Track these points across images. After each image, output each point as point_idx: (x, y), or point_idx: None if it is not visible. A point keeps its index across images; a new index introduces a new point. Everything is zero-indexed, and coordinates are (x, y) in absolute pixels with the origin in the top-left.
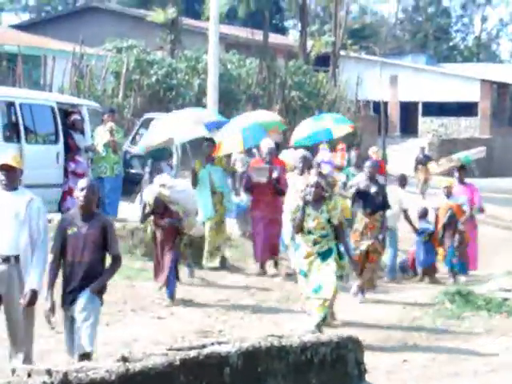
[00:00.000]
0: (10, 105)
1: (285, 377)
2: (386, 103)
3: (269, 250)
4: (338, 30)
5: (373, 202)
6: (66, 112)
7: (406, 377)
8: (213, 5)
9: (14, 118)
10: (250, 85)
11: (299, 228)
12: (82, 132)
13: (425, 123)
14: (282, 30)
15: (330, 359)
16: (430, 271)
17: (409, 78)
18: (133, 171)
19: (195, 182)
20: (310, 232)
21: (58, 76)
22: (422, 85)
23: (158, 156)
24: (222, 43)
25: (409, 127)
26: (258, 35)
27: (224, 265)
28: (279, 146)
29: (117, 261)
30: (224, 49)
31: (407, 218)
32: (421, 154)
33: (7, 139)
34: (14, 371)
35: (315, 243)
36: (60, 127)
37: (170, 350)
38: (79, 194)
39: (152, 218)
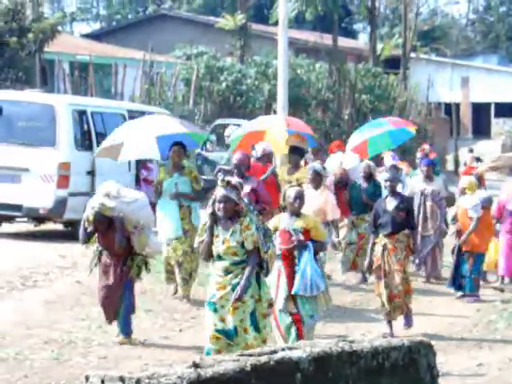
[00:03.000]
0: (82, 113)
1: (356, 382)
2: (457, 105)
3: None
4: (408, 32)
5: (392, 220)
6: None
7: (481, 381)
8: (281, 9)
9: (85, 126)
10: (320, 89)
11: (207, 253)
12: None
13: (497, 124)
14: (352, 34)
15: (401, 364)
16: None
17: (480, 78)
18: (204, 177)
19: (158, 193)
20: (219, 258)
21: (128, 84)
22: (495, 85)
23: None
24: (292, 48)
25: (481, 129)
26: (327, 39)
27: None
28: (303, 152)
29: None
30: (293, 53)
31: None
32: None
33: (80, 147)
34: (87, 378)
35: (227, 272)
36: None
37: (241, 355)
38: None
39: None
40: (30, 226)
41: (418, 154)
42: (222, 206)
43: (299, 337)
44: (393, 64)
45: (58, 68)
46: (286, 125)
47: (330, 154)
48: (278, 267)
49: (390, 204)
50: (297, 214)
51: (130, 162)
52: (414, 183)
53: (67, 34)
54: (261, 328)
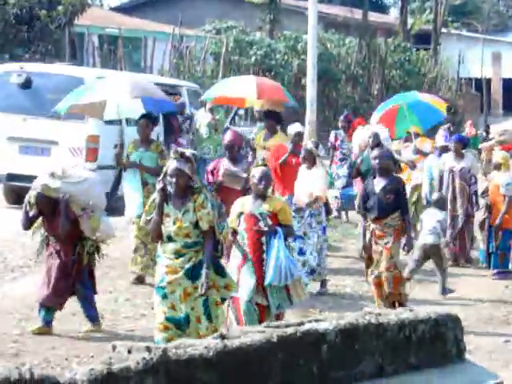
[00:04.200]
0: None
1: (382, 354)
2: (488, 81)
3: None
4: (439, 6)
5: (379, 203)
6: (166, 93)
7: (509, 357)
8: None
9: None
10: (350, 64)
11: (156, 234)
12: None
13: None
14: (382, 8)
15: (428, 337)
16: None
17: None
18: None
19: (121, 169)
20: (170, 239)
21: (158, 58)
22: None
23: None
24: (321, 22)
25: None
26: (358, 14)
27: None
28: (279, 117)
29: None
30: (323, 28)
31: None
32: (483, 131)
33: (108, 121)
34: (114, 348)
35: (178, 255)
36: None
37: (267, 327)
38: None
39: (40, 221)
40: None
41: (442, 132)
42: (173, 180)
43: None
44: (423, 39)
45: (88, 41)
46: (256, 95)
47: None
48: (241, 253)
49: (378, 185)
50: (262, 196)
51: (158, 137)
52: (443, 161)
53: (97, 7)
54: (213, 317)
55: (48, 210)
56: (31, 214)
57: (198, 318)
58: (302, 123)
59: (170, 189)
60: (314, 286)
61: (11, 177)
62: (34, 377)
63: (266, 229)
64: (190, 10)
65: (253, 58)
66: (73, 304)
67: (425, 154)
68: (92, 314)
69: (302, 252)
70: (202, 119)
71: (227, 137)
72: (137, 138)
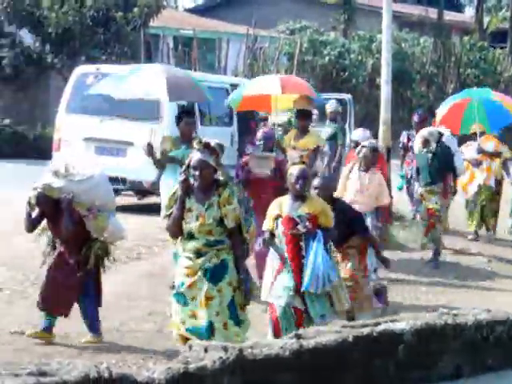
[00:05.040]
0: None
1: (459, 355)
2: None
3: None
4: None
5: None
6: None
7: None
8: None
9: None
10: (424, 63)
11: (176, 230)
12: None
13: None
14: (457, 7)
15: (505, 338)
16: None
17: None
18: None
19: (161, 165)
20: (191, 236)
21: (232, 59)
22: None
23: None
24: (396, 22)
25: None
26: (433, 13)
27: None
28: (311, 115)
29: None
30: (398, 27)
31: None
32: None
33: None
34: (190, 347)
35: (199, 254)
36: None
37: (343, 327)
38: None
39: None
40: (133, 199)
41: None
42: (197, 173)
43: None
44: (500, 38)
45: (163, 43)
46: (280, 89)
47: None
48: (280, 257)
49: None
50: (301, 197)
51: (232, 137)
52: None
53: (171, 8)
54: (241, 321)
55: (51, 211)
56: (34, 215)
57: (225, 323)
58: (377, 123)
59: (194, 182)
60: None
61: None
62: (112, 375)
63: (304, 232)
64: (264, 10)
65: (326, 58)
66: (145, 303)
67: (488, 153)
68: (94, 324)
69: None
70: (276, 117)
71: (263, 131)
72: (175, 135)
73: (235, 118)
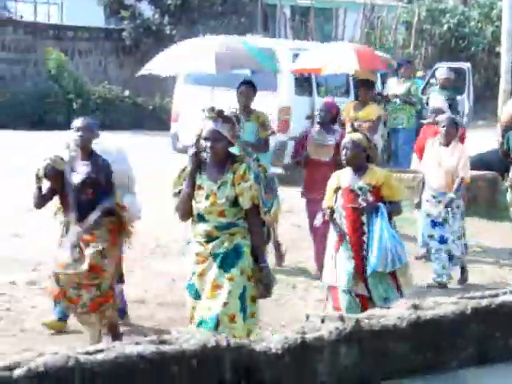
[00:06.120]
0: None
1: None
2: None
3: None
4: None
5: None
6: None
7: None
8: None
9: None
10: None
11: (185, 210)
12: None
13: None
14: None
15: None
16: None
17: None
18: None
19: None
20: (201, 218)
21: (348, 28)
22: None
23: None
24: None
25: None
26: None
27: None
28: (373, 85)
29: None
30: None
31: None
32: None
33: (299, 92)
34: (307, 317)
35: (209, 238)
36: (351, 79)
37: (461, 298)
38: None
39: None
40: None
41: None
42: (209, 145)
43: None
44: None
45: (280, 13)
46: (359, 65)
47: None
48: (337, 233)
49: None
50: (362, 168)
51: None
52: None
53: None
54: (248, 315)
55: (60, 187)
56: (44, 190)
57: (233, 316)
58: (497, 92)
59: (205, 155)
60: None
61: None
62: (230, 344)
63: (364, 205)
64: None
65: (445, 27)
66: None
67: None
68: (123, 309)
69: (443, 240)
70: (395, 88)
71: (324, 102)
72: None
73: (352, 88)
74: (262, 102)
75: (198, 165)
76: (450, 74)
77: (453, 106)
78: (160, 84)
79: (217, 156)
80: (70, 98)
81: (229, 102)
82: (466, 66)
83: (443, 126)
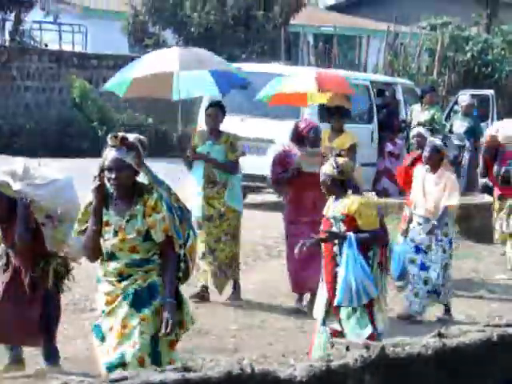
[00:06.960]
0: None
1: None
2: None
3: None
4: None
5: None
6: (379, 91)
7: None
8: None
9: None
10: None
11: (93, 249)
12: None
13: None
14: None
15: None
16: None
17: None
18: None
19: (189, 162)
20: (111, 256)
21: (372, 55)
22: None
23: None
24: None
25: None
26: None
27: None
28: (349, 114)
29: None
30: None
31: None
32: None
33: (322, 119)
34: (332, 345)
35: (121, 277)
36: (374, 106)
37: (486, 326)
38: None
39: None
40: (274, 197)
41: None
42: (113, 176)
43: None
44: None
45: (303, 40)
46: (317, 86)
47: None
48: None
49: None
50: (341, 195)
51: (372, 135)
52: None
53: (312, 6)
54: (163, 363)
55: (3, 213)
56: None
57: (142, 359)
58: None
59: (110, 187)
60: (435, 310)
61: None
62: (254, 372)
63: (323, 236)
64: (405, 7)
65: (468, 54)
66: (286, 301)
67: None
68: (52, 352)
69: (424, 267)
70: (419, 116)
71: (304, 124)
72: (203, 129)
73: (375, 116)
74: (286, 130)
75: (103, 199)
76: (472, 101)
77: (476, 131)
78: (184, 111)
79: (122, 187)
80: (94, 126)
81: (256, 129)
82: (489, 92)
83: (425, 152)
